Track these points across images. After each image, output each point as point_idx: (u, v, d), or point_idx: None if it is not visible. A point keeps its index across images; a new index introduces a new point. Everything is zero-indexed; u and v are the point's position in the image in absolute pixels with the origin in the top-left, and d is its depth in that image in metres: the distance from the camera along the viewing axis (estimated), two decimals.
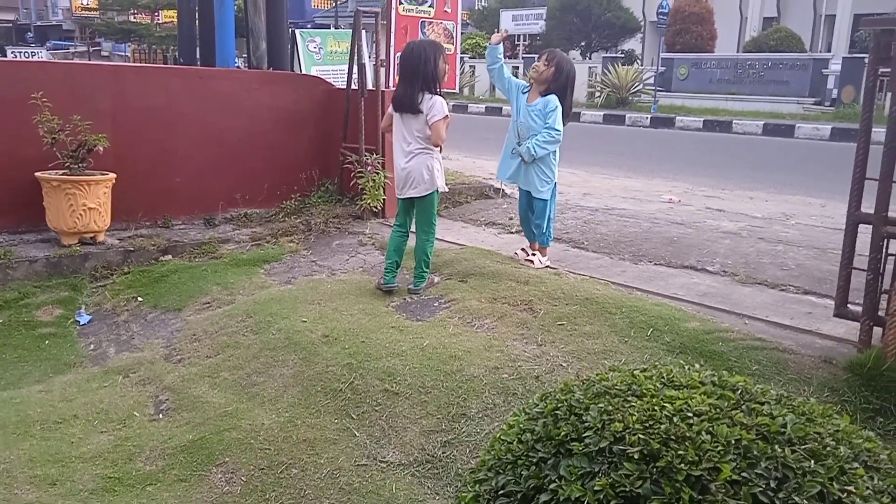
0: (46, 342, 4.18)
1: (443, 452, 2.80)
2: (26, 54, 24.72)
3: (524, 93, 4.52)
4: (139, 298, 4.62)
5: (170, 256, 5.20)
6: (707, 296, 4.06)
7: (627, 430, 1.21)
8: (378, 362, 3.34)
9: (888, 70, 3.16)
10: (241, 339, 3.81)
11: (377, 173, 5.86)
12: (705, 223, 5.78)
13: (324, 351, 3.50)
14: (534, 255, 4.63)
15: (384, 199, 5.93)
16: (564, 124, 4.43)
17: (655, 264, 4.70)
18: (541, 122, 4.37)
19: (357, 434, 2.93)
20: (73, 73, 5.65)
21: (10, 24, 49.44)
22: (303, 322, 3.85)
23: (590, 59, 26.30)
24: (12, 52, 24.93)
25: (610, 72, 20.04)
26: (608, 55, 23.30)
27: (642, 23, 28.03)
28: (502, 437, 1.43)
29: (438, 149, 4.21)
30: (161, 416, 3.27)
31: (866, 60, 3.32)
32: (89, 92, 5.40)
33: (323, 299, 4.20)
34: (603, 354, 3.31)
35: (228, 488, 2.70)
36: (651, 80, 19.67)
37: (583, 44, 26.79)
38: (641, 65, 24.30)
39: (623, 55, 24.40)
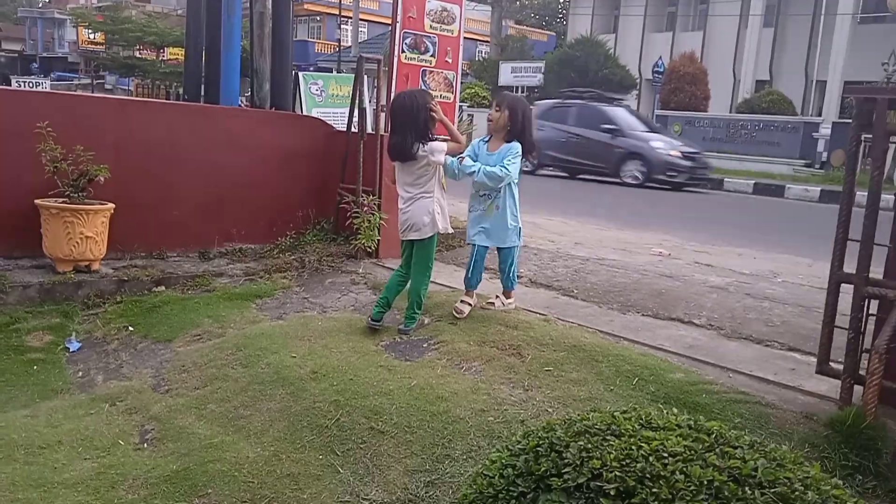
0: (35, 367, 4.19)
1: (426, 492, 2.81)
2: (31, 84, 25.02)
3: (485, 142, 4.46)
4: (130, 328, 4.64)
5: (163, 287, 5.24)
6: (693, 348, 4.12)
7: (605, 468, 1.25)
8: (365, 400, 3.36)
9: (870, 136, 3.29)
10: (230, 372, 3.83)
11: (373, 214, 5.95)
12: (693, 277, 5.86)
13: (312, 387, 3.53)
14: (497, 297, 4.68)
15: (378, 240, 6.01)
16: (531, 159, 4.50)
17: (643, 315, 4.76)
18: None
19: (341, 471, 2.95)
20: (78, 104, 5.77)
21: (17, 55, 50.13)
22: (292, 357, 3.88)
23: None
24: (17, 82, 25.29)
25: None
26: None
27: (638, 80, 28.65)
28: (484, 472, 1.47)
29: (441, 188, 4.37)
30: (146, 445, 3.27)
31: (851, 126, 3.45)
32: (93, 123, 5.50)
33: (313, 336, 4.23)
34: (588, 401, 3.34)
35: None
36: None
37: None
38: None
39: None
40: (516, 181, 4.42)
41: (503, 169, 4.23)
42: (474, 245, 4.52)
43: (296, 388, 3.54)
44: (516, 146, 4.30)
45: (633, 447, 1.31)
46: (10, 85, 23.35)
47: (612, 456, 1.29)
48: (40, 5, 56.28)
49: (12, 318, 4.60)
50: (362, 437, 3.12)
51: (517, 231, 4.56)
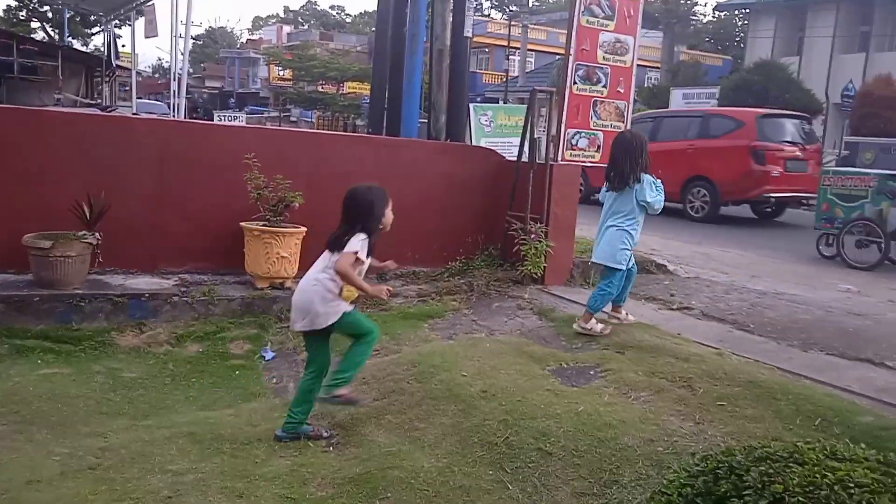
0: (237, 372, 4.69)
1: None
2: (229, 118, 27.73)
3: None
4: None
5: None
6: (886, 391, 3.84)
7: (787, 493, 1.28)
8: (533, 422, 3.46)
9: None
10: (406, 387, 4.08)
11: (540, 241, 6.08)
12: (886, 316, 5.43)
13: (481, 405, 3.68)
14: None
15: (545, 267, 6.12)
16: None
17: (827, 353, 4.50)
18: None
19: (510, 487, 3.06)
20: (278, 139, 6.42)
21: (217, 91, 55.77)
22: (463, 376, 4.06)
23: None
24: (218, 116, 28.09)
25: None
26: None
27: (825, 105, 26.75)
28: (662, 490, 1.53)
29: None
30: (332, 448, 3.57)
31: None
32: (291, 155, 6.09)
33: (482, 356, 4.40)
34: (765, 439, 3.22)
35: None
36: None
37: None
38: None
39: None
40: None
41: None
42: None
43: (466, 405, 3.71)
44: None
45: (818, 475, 1.31)
46: (213, 119, 26.05)
47: (795, 482, 1.30)
48: (238, 46, 62.40)
49: (219, 328, 5.18)
50: (530, 457, 3.21)
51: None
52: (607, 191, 4.92)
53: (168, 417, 3.92)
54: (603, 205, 4.98)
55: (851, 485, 1.28)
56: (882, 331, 4.96)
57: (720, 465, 1.47)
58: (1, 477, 3.03)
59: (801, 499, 1.26)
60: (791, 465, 1.38)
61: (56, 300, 4.89)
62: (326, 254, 3.65)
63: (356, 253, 3.54)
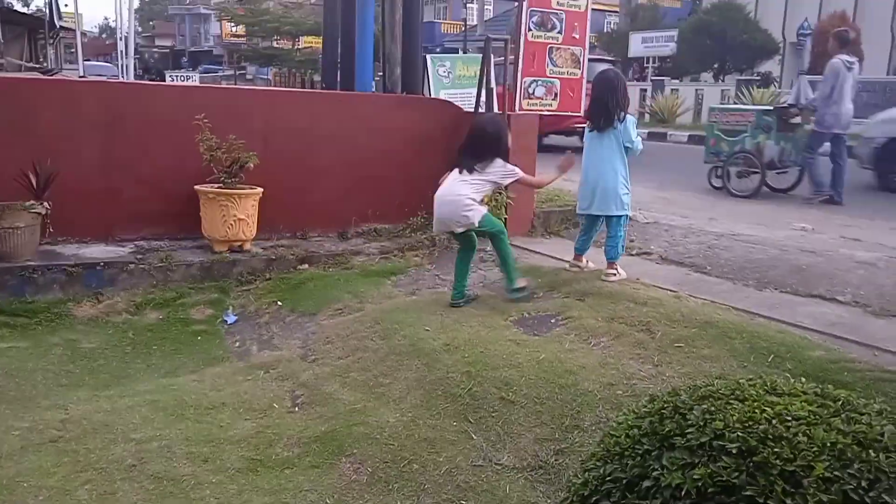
0: (199, 338, 4.65)
1: (555, 460, 2.92)
2: (182, 78, 26.99)
3: None
4: (279, 303, 5.04)
5: (307, 266, 5.63)
6: (836, 325, 3.96)
7: (727, 429, 1.31)
8: (496, 372, 3.51)
9: None
10: (369, 344, 4.10)
11: (500, 193, 6.07)
12: (838, 252, 5.57)
13: (445, 358, 3.71)
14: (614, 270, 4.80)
15: (506, 218, 6.12)
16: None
17: (781, 291, 4.61)
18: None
19: (474, 437, 3.11)
20: (230, 97, 6.27)
21: (168, 50, 54.10)
22: (426, 331, 4.09)
23: (723, 81, 25.50)
24: (170, 76, 27.33)
25: (744, 94, 19.41)
26: (743, 77, 22.54)
27: (781, 44, 26.91)
28: (611, 433, 1.56)
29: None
30: (297, 408, 3.58)
31: None
32: (244, 113, 5.95)
33: (445, 311, 4.43)
34: (720, 378, 3.31)
35: (356, 477, 2.95)
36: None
37: (715, 66, 26.05)
38: (779, 87, 23.33)
39: (759, 77, 23.52)
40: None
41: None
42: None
43: (430, 359, 3.74)
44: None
45: (757, 410, 1.35)
46: (165, 80, 25.32)
47: (734, 418, 1.34)
48: (188, 2, 60.28)
49: (178, 294, 5.11)
50: (493, 407, 3.26)
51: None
52: (591, 132, 4.83)
53: (130, 386, 3.88)
54: (582, 151, 4.91)
55: (789, 418, 1.32)
56: (834, 266, 5.09)
57: (665, 405, 1.50)
58: None
59: (740, 434, 1.29)
60: (732, 401, 1.41)
61: (7, 273, 4.77)
62: (456, 173, 4.63)
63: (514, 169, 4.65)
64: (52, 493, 2.76)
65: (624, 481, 1.37)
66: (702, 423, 1.35)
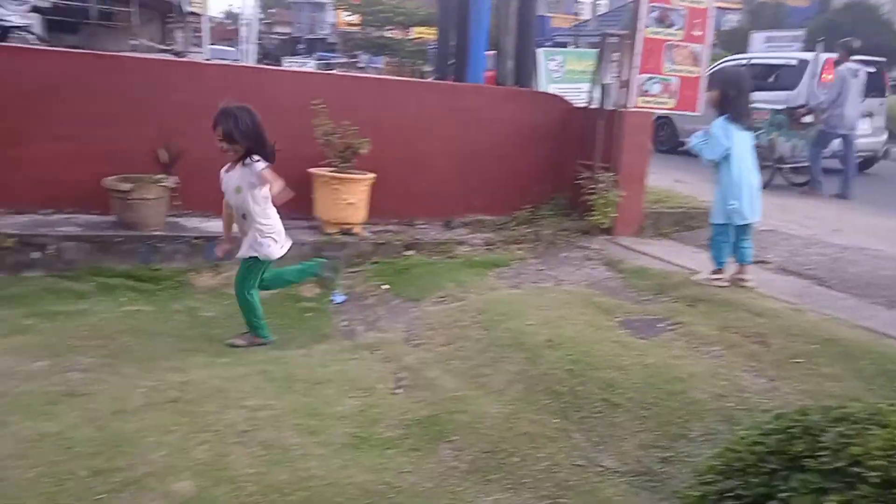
0: (308, 315, 4.82)
1: (660, 468, 2.85)
2: (298, 64, 27.88)
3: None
4: (385, 286, 5.15)
5: (412, 252, 5.72)
6: None
7: (867, 456, 1.24)
8: (599, 372, 3.45)
9: None
10: (472, 333, 4.12)
11: (609, 191, 5.96)
12: None
13: (547, 354, 3.69)
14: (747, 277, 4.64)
15: (614, 217, 6.02)
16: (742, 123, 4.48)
17: None
18: None
19: (576, 436, 3.08)
20: (345, 84, 6.42)
21: (286, 37, 55.98)
22: (528, 325, 4.07)
23: None
24: (287, 62, 28.29)
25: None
26: None
27: None
28: (732, 447, 1.51)
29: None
30: (400, 390, 3.65)
31: None
32: (358, 101, 6.09)
33: (548, 306, 4.39)
34: (843, 399, 3.13)
35: (455, 464, 2.98)
36: None
37: None
38: None
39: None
40: (707, 159, 4.54)
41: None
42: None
43: (532, 353, 3.72)
44: (714, 123, 4.45)
45: None
46: (282, 66, 26.25)
47: (875, 444, 1.27)
48: None
49: None
50: (596, 407, 3.22)
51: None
52: (739, 130, 4.47)
53: (243, 356, 4.07)
54: (729, 153, 4.49)
55: None
56: None
57: (794, 424, 1.44)
58: (90, 406, 3.21)
59: (881, 462, 1.22)
60: (871, 427, 1.33)
61: (137, 241, 5.10)
62: None
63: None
64: (171, 451, 2.93)
65: (747, 499, 1.32)
66: (837, 448, 1.29)
